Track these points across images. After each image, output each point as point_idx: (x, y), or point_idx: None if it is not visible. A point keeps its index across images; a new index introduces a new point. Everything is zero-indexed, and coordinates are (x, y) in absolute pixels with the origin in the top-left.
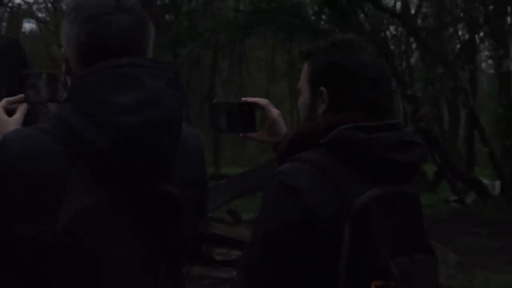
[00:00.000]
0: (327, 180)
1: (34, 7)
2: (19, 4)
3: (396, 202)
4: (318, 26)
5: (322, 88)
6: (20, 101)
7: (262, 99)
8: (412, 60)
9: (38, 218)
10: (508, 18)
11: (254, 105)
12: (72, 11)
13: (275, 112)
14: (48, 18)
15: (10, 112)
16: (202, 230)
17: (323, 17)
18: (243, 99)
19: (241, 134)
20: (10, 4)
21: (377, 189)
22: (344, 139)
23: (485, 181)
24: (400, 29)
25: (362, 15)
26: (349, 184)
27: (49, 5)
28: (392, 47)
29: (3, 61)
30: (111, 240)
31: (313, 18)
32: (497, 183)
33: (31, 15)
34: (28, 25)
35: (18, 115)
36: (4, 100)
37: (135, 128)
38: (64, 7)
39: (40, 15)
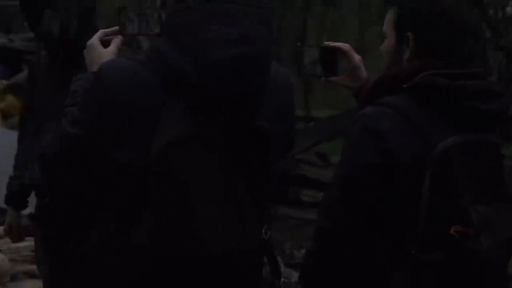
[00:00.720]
0: (409, 124)
1: None
2: None
3: (478, 150)
4: None
5: (409, 34)
6: (115, 33)
7: (344, 44)
8: (508, 9)
9: (133, 145)
10: None
11: (336, 49)
12: None
13: (357, 57)
14: None
15: (105, 44)
16: (289, 171)
17: None
18: (325, 43)
19: (322, 78)
20: None
21: (459, 135)
22: (428, 85)
23: None
24: None
25: None
26: (432, 129)
27: None
28: None
29: None
30: (200, 169)
31: None
32: None
33: None
34: None
35: (113, 47)
36: (100, 32)
37: (226, 61)
38: None
39: None
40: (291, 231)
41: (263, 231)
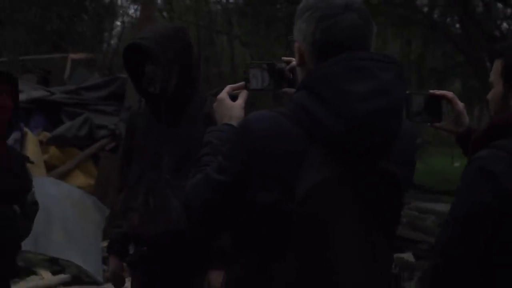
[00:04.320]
0: None
1: None
2: None
3: None
4: (432, 18)
5: None
6: (241, 88)
7: (448, 92)
8: None
9: (277, 188)
10: None
11: (441, 97)
12: (306, 11)
13: (460, 104)
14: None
15: (233, 98)
16: None
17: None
18: (431, 91)
19: (428, 123)
20: None
21: None
22: None
23: None
24: None
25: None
26: None
27: None
28: None
29: (175, 51)
30: (339, 210)
31: (426, 10)
32: None
33: None
34: None
35: (241, 101)
36: (228, 87)
37: (370, 113)
38: None
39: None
40: None
41: (393, 266)
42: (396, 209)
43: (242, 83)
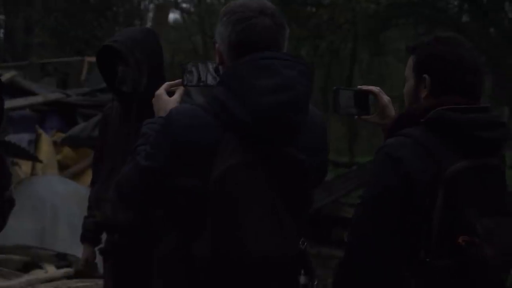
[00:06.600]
0: (425, 152)
1: None
2: None
3: (482, 173)
4: (459, 20)
5: (425, 76)
6: (178, 85)
7: (375, 87)
8: None
9: (196, 173)
10: None
11: (368, 91)
12: (224, 15)
13: (386, 98)
14: (192, 9)
15: (170, 94)
16: (333, 213)
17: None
18: (359, 86)
19: (355, 116)
20: None
21: (467, 160)
22: (440, 118)
23: None
24: None
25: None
26: (444, 156)
27: None
28: None
29: (144, 52)
30: (249, 191)
31: (454, 12)
32: None
33: (176, 5)
34: (172, 16)
35: (177, 96)
36: (166, 84)
37: (273, 105)
38: None
39: (184, 5)
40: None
41: (300, 243)
42: (303, 191)
43: (179, 80)
